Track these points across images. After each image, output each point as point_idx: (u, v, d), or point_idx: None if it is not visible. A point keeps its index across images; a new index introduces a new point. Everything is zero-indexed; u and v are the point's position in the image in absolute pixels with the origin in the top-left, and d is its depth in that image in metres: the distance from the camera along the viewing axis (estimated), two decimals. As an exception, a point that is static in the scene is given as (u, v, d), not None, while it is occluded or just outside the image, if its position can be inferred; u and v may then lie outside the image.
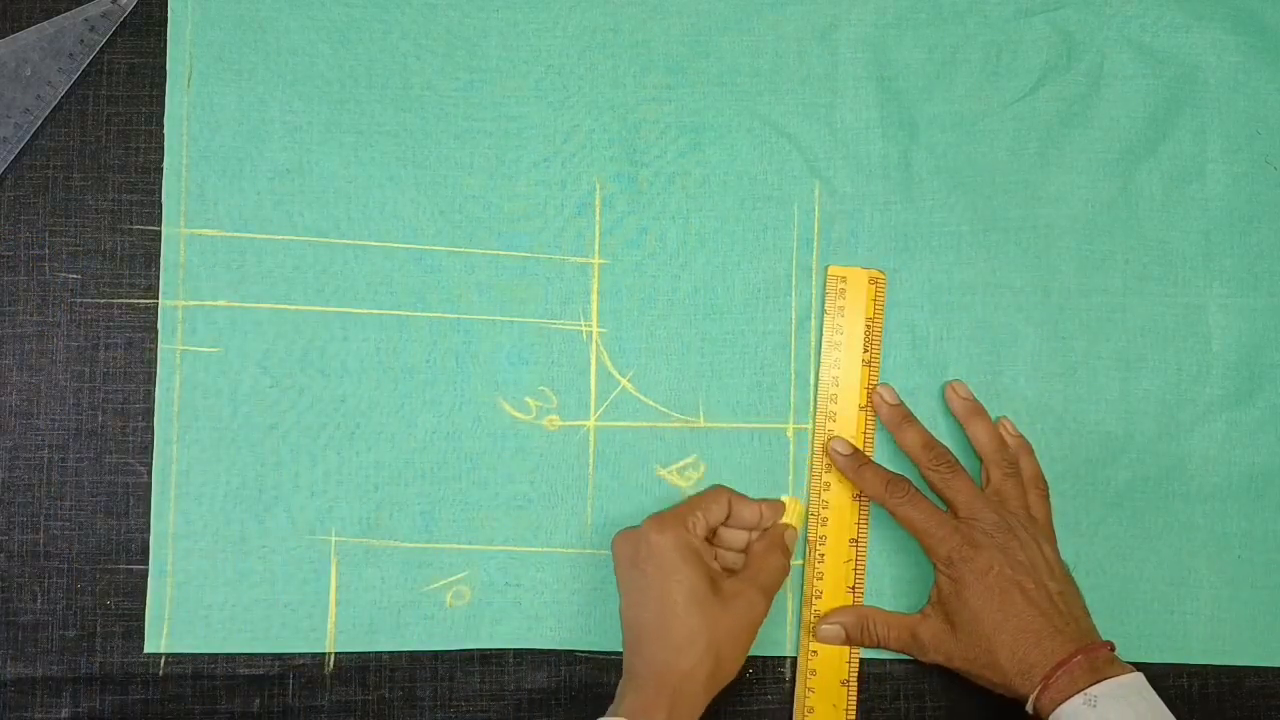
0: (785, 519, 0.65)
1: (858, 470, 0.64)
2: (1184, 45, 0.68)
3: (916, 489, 0.63)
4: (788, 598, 0.66)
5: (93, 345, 0.66)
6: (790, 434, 0.67)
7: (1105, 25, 0.68)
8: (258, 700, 0.65)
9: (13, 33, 0.66)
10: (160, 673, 0.65)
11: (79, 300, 0.66)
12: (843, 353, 0.67)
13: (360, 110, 0.67)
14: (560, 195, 0.67)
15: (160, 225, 0.66)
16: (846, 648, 0.65)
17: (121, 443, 0.65)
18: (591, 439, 0.66)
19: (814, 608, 0.65)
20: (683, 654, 0.59)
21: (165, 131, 0.66)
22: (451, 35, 0.67)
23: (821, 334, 0.67)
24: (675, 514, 0.62)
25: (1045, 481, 0.65)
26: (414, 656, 0.65)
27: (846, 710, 0.65)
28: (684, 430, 0.67)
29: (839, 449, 0.65)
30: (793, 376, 0.67)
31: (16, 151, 0.66)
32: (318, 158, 0.66)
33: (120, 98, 0.67)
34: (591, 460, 0.66)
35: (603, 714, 0.58)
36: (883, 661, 0.66)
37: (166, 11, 0.67)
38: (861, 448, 0.65)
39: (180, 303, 0.66)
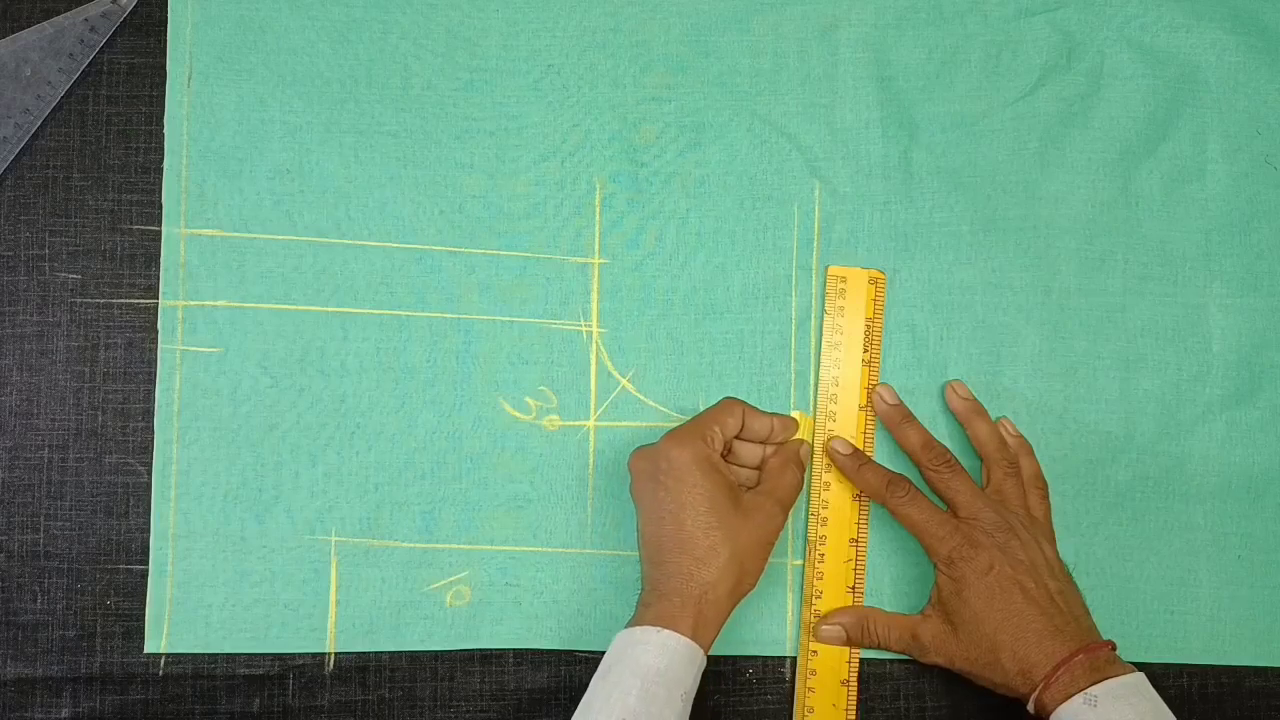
0: (798, 435, 0.65)
1: (858, 470, 0.64)
2: (1184, 45, 0.68)
3: (917, 488, 0.63)
4: (788, 597, 0.66)
5: (93, 345, 0.66)
6: (790, 434, 0.67)
7: (1105, 25, 0.68)
8: (258, 700, 0.65)
9: (13, 33, 0.66)
10: (160, 673, 0.65)
11: (79, 300, 0.66)
12: (843, 353, 0.66)
13: (360, 110, 0.67)
14: (560, 195, 0.67)
15: (160, 225, 0.66)
16: (846, 648, 0.65)
17: (121, 443, 0.65)
18: (591, 439, 0.66)
19: (814, 608, 0.65)
20: (706, 565, 0.59)
21: (165, 131, 0.66)
22: (451, 35, 0.67)
23: (821, 334, 0.67)
24: (693, 428, 0.62)
25: (1045, 481, 0.65)
26: (414, 656, 0.65)
27: (846, 710, 0.65)
28: (684, 430, 0.66)
29: (839, 449, 0.65)
30: (793, 376, 0.67)
31: (16, 151, 0.66)
32: (317, 158, 0.66)
33: (120, 98, 0.66)
34: (591, 460, 0.66)
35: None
36: (883, 661, 0.66)
37: (166, 11, 0.67)
38: (861, 447, 0.65)
39: (180, 303, 0.66)
